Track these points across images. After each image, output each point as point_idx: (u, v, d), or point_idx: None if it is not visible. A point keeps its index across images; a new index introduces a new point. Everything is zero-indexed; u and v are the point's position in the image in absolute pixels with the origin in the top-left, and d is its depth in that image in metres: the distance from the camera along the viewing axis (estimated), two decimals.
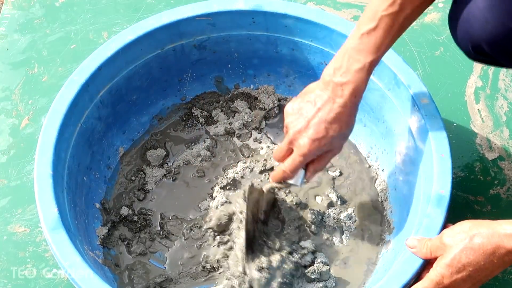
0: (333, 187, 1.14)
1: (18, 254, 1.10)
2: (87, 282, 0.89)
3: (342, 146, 0.98)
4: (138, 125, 1.19)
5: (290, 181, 0.99)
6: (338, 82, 0.92)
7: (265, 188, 1.05)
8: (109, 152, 1.15)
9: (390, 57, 1.06)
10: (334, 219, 1.11)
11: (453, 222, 1.11)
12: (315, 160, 0.97)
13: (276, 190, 1.07)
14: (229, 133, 1.20)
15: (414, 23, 1.32)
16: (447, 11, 1.35)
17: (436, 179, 0.98)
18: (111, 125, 1.14)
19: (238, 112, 1.22)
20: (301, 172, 0.98)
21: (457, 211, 1.14)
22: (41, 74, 1.30)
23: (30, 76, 1.30)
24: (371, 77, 1.08)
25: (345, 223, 1.11)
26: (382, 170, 1.15)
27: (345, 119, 0.93)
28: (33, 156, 1.20)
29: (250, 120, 1.21)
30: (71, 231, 0.95)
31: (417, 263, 0.92)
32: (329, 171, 1.16)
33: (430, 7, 1.37)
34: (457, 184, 1.16)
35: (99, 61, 1.06)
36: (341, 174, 1.16)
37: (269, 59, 1.19)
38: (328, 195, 1.13)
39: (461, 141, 1.22)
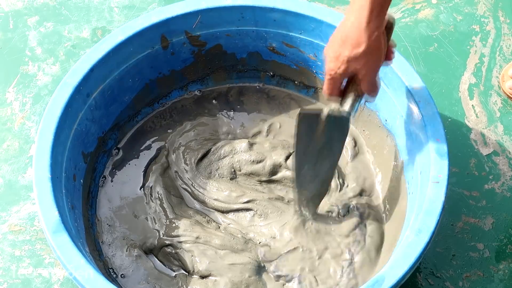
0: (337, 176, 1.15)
1: (14, 253, 1.11)
2: (93, 283, 0.90)
3: (367, 67, 0.94)
4: (131, 125, 1.20)
5: (343, 107, 0.98)
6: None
7: (324, 113, 0.99)
8: (104, 154, 1.16)
9: None
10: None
11: (449, 218, 1.14)
12: (359, 84, 0.97)
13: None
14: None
15: (408, 19, 1.35)
16: (441, 7, 1.37)
17: (433, 164, 0.98)
18: (104, 126, 1.14)
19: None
20: (349, 98, 0.97)
21: (452, 206, 1.15)
22: (35, 72, 1.30)
23: (24, 74, 1.30)
24: None
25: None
26: (380, 159, 1.16)
27: (354, 38, 0.92)
28: (27, 154, 1.20)
29: None
30: (72, 233, 0.95)
31: (420, 247, 0.92)
32: None
33: (424, 3, 1.37)
34: (452, 179, 1.16)
35: (90, 63, 1.06)
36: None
37: (259, 53, 1.20)
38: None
39: (456, 137, 1.22)
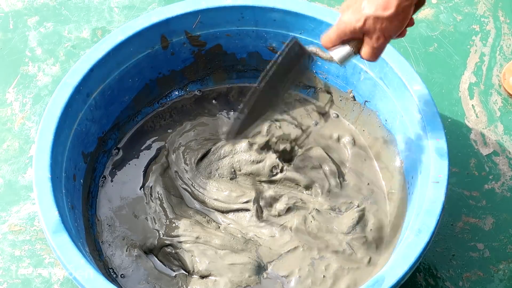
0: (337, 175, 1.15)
1: (14, 253, 1.11)
2: (93, 283, 0.90)
3: (383, 33, 0.90)
4: (131, 125, 1.20)
5: (332, 54, 0.94)
6: None
7: (309, 49, 0.97)
8: (104, 154, 1.16)
9: None
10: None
11: (449, 218, 1.14)
12: (362, 45, 0.92)
13: (316, 55, 0.98)
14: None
15: None
16: (441, 7, 1.37)
17: (433, 164, 0.98)
18: (104, 126, 1.14)
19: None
20: (344, 50, 0.93)
21: (452, 206, 1.16)
22: (35, 73, 1.30)
23: (24, 75, 1.30)
24: (362, 66, 1.11)
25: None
26: (380, 159, 1.16)
27: (384, 0, 0.88)
28: (27, 154, 1.20)
29: None
30: (72, 233, 0.95)
31: (420, 247, 0.92)
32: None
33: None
34: (452, 179, 1.16)
35: (90, 63, 1.06)
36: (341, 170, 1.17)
37: (259, 53, 1.20)
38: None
39: (456, 137, 1.22)
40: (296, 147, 1.17)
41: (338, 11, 0.92)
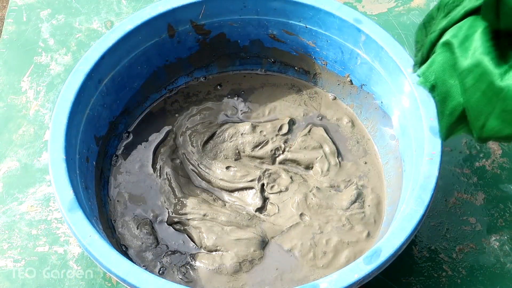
0: (336, 154, 1.19)
1: (31, 232, 1.13)
2: (106, 256, 0.91)
3: None
4: (140, 110, 1.24)
5: None
6: None
7: None
8: (115, 137, 1.20)
9: (376, 32, 1.10)
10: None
11: (442, 194, 1.17)
12: None
13: None
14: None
15: (401, 8, 1.39)
16: None
17: (427, 142, 1.00)
18: (115, 111, 1.17)
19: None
20: None
21: (445, 183, 1.18)
22: (48, 62, 1.34)
23: (38, 64, 1.33)
24: (359, 52, 1.14)
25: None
26: (377, 139, 1.20)
27: None
28: (42, 139, 1.24)
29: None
30: (86, 211, 0.97)
31: (416, 219, 0.94)
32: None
33: None
34: (445, 158, 1.17)
35: (101, 51, 1.09)
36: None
37: (261, 41, 1.24)
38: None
39: None
40: (297, 129, 1.22)
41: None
